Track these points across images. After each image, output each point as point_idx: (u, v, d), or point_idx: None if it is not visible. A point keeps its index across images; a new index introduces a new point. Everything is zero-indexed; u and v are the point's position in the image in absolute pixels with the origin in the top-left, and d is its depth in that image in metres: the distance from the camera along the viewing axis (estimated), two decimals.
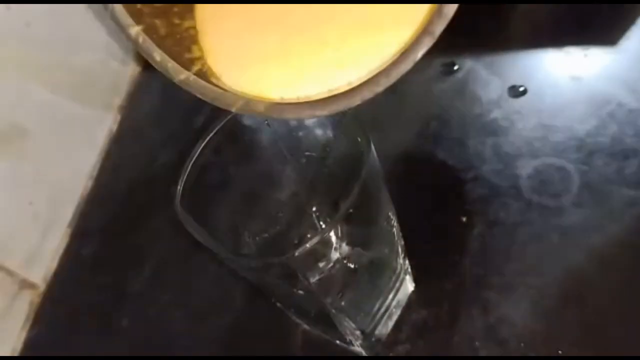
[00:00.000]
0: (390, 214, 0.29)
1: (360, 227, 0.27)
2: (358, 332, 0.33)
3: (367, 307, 0.31)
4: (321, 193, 0.30)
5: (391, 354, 0.36)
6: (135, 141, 0.54)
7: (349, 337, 0.33)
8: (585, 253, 0.36)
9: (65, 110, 0.50)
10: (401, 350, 0.36)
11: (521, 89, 0.44)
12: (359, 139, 0.23)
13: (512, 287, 0.36)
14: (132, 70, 0.57)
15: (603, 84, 0.42)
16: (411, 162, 0.43)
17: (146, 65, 0.58)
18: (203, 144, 0.28)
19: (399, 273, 0.34)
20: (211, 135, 0.28)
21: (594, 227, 0.36)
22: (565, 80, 0.43)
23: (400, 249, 0.32)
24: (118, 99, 0.56)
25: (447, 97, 0.45)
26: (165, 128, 0.53)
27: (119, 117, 0.55)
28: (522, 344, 0.34)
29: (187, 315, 0.42)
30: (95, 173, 0.52)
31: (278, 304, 0.36)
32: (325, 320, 0.29)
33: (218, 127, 0.28)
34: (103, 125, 0.54)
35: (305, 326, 0.37)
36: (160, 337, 0.41)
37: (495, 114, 0.43)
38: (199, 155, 0.28)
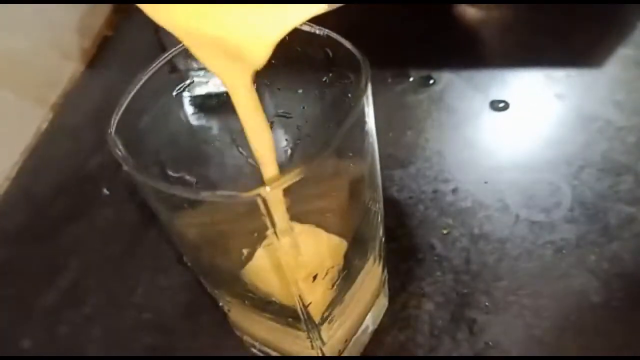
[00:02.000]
0: (376, 192, 0.23)
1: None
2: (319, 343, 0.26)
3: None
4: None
5: None
6: (66, 142, 0.47)
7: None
8: (582, 271, 0.31)
9: None
10: None
11: (502, 104, 0.41)
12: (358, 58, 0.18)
13: (502, 307, 0.31)
14: (74, 67, 0.51)
15: (589, 102, 0.39)
16: (385, 169, 0.38)
17: (91, 64, 0.52)
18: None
19: (377, 280, 0.29)
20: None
21: (590, 243, 0.32)
22: (549, 97, 0.40)
23: (378, 244, 0.26)
24: (53, 95, 0.49)
25: (423, 108, 0.42)
26: (101, 131, 0.46)
27: (51, 115, 0.48)
28: None
29: (106, 335, 0.34)
30: (13, 174, 0.45)
31: (226, 309, 0.29)
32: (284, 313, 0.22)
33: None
34: (32, 121, 0.47)
35: (255, 345, 0.30)
36: None
37: (476, 126, 0.40)
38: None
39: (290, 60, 0.21)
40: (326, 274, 0.21)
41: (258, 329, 0.26)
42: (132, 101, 0.22)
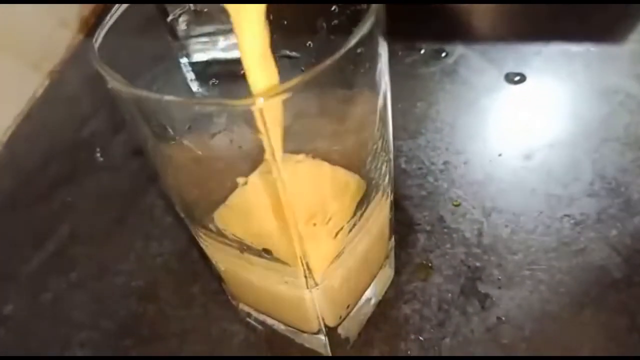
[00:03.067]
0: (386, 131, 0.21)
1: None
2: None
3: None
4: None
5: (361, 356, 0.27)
6: (61, 109, 0.45)
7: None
8: (603, 246, 0.29)
9: None
10: (376, 353, 0.27)
11: (518, 77, 0.39)
12: None
13: (516, 282, 0.29)
14: (71, 35, 0.50)
15: (609, 75, 0.37)
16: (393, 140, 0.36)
17: (89, 33, 0.51)
18: None
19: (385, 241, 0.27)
20: None
21: (611, 218, 0.30)
22: (567, 70, 0.38)
23: (385, 194, 0.24)
24: (49, 63, 0.47)
25: (435, 80, 0.40)
26: (96, 99, 0.44)
27: (47, 82, 0.47)
28: (527, 350, 0.26)
29: (91, 302, 0.32)
30: (5, 139, 0.43)
31: (221, 268, 0.27)
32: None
33: None
34: (27, 87, 0.45)
35: (251, 313, 0.28)
36: (52, 329, 0.31)
37: (490, 99, 0.38)
38: None
39: None
40: (329, 219, 0.19)
41: (255, 292, 0.24)
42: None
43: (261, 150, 0.15)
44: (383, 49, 0.18)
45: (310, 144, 0.18)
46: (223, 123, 0.16)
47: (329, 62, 0.14)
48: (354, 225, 0.20)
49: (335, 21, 0.20)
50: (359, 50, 0.16)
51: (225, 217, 0.21)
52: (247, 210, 0.20)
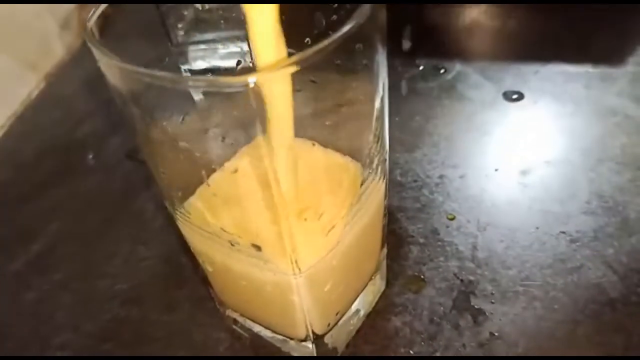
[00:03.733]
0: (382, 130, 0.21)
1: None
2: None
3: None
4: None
5: None
6: (55, 111, 0.45)
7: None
8: (599, 264, 0.29)
9: None
10: None
11: (515, 95, 0.39)
12: None
13: (510, 297, 0.28)
14: (71, 38, 0.49)
15: (607, 96, 0.37)
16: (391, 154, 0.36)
17: None
18: None
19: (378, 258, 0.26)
20: None
21: (608, 236, 0.30)
22: (565, 90, 0.38)
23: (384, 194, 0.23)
24: (46, 65, 0.47)
25: (433, 95, 0.40)
26: (92, 103, 0.44)
27: (43, 84, 0.46)
28: None
29: (75, 304, 0.31)
30: None
31: (209, 269, 0.26)
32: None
33: None
34: (23, 87, 0.45)
35: (238, 320, 0.27)
36: (32, 329, 0.30)
37: (488, 115, 0.38)
38: None
39: None
40: (321, 215, 0.18)
41: (242, 293, 0.23)
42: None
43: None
44: (381, 40, 0.18)
45: (309, 129, 0.17)
46: (215, 107, 0.15)
47: (327, 43, 0.14)
48: (347, 224, 0.20)
49: (334, 17, 0.20)
50: (357, 35, 0.16)
51: (211, 206, 0.20)
52: (236, 200, 0.19)
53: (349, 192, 0.20)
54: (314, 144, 0.20)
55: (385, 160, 0.21)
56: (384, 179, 0.22)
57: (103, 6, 0.19)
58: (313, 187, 0.19)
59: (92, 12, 0.19)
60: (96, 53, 0.17)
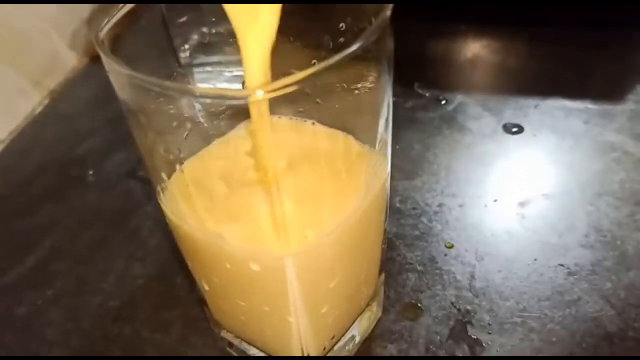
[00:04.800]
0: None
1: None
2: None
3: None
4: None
5: None
6: (58, 128, 0.45)
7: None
8: (597, 298, 0.29)
9: None
10: None
11: (516, 128, 0.39)
12: None
13: (507, 328, 0.28)
14: (78, 58, 0.50)
15: (607, 132, 0.38)
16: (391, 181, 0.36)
17: (95, 58, 0.51)
18: None
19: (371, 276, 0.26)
20: None
21: (606, 270, 0.30)
22: (565, 124, 0.39)
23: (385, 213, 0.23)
24: (51, 82, 0.47)
25: (434, 125, 0.40)
26: (95, 121, 0.44)
27: (47, 101, 0.47)
28: None
29: (66, 320, 0.30)
30: None
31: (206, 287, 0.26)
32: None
33: None
34: (27, 103, 0.45)
35: (234, 343, 0.27)
36: (22, 345, 0.30)
37: (488, 147, 0.38)
38: None
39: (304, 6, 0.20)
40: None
41: (239, 312, 0.23)
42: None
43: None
44: (387, 62, 0.18)
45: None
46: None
47: (334, 60, 0.14)
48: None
49: (342, 39, 0.20)
50: (363, 56, 0.16)
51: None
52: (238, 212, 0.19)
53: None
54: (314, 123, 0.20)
55: (388, 177, 0.22)
56: (386, 201, 0.22)
57: (115, 18, 0.19)
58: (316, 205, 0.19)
59: (104, 24, 0.19)
60: (106, 62, 0.17)
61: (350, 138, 0.21)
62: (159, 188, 0.21)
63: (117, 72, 0.17)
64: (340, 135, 0.21)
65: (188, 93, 0.16)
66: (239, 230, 0.19)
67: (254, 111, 0.16)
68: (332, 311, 0.22)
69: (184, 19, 0.27)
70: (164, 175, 0.20)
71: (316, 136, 0.22)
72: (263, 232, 0.19)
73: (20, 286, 0.33)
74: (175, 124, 0.21)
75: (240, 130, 0.25)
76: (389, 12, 0.17)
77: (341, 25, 0.20)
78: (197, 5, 0.27)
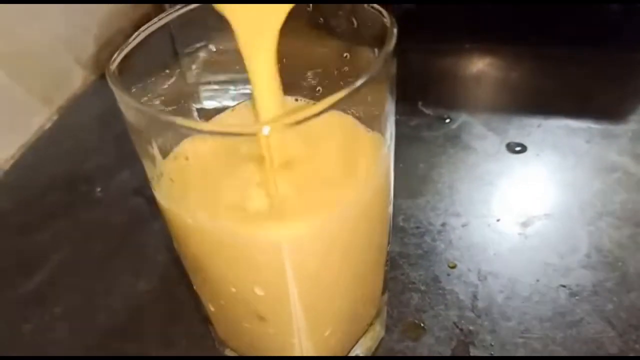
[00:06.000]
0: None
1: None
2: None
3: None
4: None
5: None
6: (66, 144, 0.45)
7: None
8: (598, 319, 0.29)
9: None
10: None
11: (518, 148, 0.39)
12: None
13: (509, 349, 0.28)
14: (86, 74, 0.51)
15: (608, 152, 0.38)
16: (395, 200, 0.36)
17: (103, 74, 0.52)
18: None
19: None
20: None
21: (607, 291, 0.30)
22: (568, 144, 0.39)
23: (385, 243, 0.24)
24: (60, 98, 0.48)
25: (438, 143, 0.40)
26: (103, 137, 0.45)
27: (55, 117, 0.47)
28: None
29: (72, 337, 0.31)
30: (7, 166, 0.43)
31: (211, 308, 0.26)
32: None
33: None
34: (35, 118, 0.46)
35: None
36: None
37: (491, 165, 0.38)
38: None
39: (308, 35, 0.20)
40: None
41: (243, 333, 0.23)
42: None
43: None
44: (390, 91, 0.19)
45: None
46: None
47: (341, 95, 0.15)
48: None
49: (346, 68, 0.20)
50: (367, 87, 0.16)
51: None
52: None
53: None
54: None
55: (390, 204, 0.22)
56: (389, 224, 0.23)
57: (126, 49, 0.20)
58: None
59: (115, 55, 0.20)
60: (117, 94, 0.18)
61: (356, 123, 0.21)
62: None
63: (127, 105, 0.17)
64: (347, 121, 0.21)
65: (198, 130, 0.16)
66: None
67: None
68: (335, 332, 0.22)
69: (191, 37, 0.28)
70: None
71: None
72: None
73: (28, 301, 0.33)
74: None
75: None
76: (392, 44, 0.17)
77: (345, 54, 0.20)
78: (204, 23, 0.28)
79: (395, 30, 0.17)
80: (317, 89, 0.22)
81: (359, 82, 0.15)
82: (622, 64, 0.45)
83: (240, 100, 0.29)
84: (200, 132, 0.16)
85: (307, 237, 0.19)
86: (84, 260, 0.35)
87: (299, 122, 0.15)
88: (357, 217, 0.20)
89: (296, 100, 0.24)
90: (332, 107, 0.15)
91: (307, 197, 0.19)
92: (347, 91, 0.16)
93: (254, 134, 0.14)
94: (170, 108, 0.27)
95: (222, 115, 0.25)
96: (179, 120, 0.15)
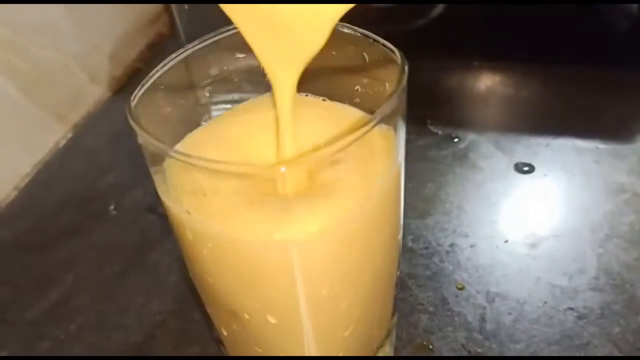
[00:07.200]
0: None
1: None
2: None
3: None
4: None
5: None
6: (81, 161, 0.46)
7: None
8: (605, 342, 0.29)
9: (11, 103, 0.43)
10: None
11: (527, 168, 0.40)
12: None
13: None
14: (100, 92, 0.52)
15: (617, 173, 0.38)
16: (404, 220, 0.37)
17: (117, 92, 0.53)
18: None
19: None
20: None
21: (614, 314, 0.30)
22: (576, 164, 0.39)
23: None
24: (75, 115, 0.49)
25: (446, 163, 0.41)
26: (117, 155, 0.46)
27: (70, 134, 0.48)
28: None
29: (88, 355, 0.31)
30: (22, 185, 0.44)
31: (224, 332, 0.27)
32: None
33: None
34: (51, 136, 0.47)
35: None
36: None
37: (500, 186, 0.39)
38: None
39: (320, 68, 0.21)
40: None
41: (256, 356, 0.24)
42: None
43: None
44: (401, 124, 0.19)
45: None
46: None
47: (356, 134, 0.15)
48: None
49: (357, 100, 0.21)
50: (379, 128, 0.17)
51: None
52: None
53: None
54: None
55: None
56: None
57: (147, 85, 0.21)
58: None
59: (136, 91, 0.20)
60: (138, 132, 0.18)
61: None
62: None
63: (146, 141, 0.18)
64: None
65: (214, 167, 0.17)
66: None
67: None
68: (347, 356, 0.23)
69: (204, 58, 0.28)
70: None
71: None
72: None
73: (44, 320, 0.34)
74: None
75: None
76: (404, 82, 0.18)
77: (356, 87, 0.21)
78: (217, 44, 0.29)
79: (406, 68, 0.18)
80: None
81: (371, 123, 0.16)
82: (630, 84, 0.46)
83: None
84: (220, 172, 0.17)
85: (321, 260, 0.19)
86: (98, 279, 0.36)
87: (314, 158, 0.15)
88: (366, 239, 0.21)
89: (306, 95, 0.24)
90: (347, 146, 0.16)
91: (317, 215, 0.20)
92: (362, 132, 0.16)
93: (267, 172, 0.15)
94: (184, 128, 0.27)
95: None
96: (201, 162, 0.16)
